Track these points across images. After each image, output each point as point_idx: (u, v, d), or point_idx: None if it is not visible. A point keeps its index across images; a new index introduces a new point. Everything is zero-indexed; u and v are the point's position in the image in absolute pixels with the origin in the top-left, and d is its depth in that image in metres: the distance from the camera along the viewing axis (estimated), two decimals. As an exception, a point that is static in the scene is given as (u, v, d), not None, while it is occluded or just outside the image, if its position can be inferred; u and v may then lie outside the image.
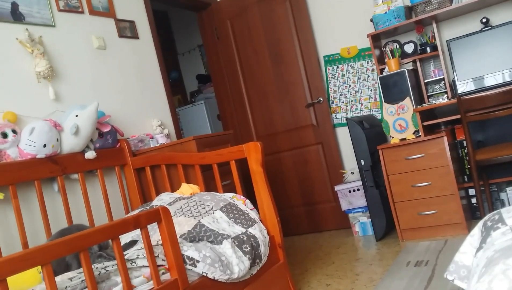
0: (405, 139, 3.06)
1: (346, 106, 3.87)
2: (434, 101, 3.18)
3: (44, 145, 2.26)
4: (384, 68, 3.43)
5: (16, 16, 2.47)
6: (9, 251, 2.14)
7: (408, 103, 3.04)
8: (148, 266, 1.67)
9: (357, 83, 3.82)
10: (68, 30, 2.77)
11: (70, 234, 1.43)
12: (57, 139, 2.35)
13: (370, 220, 3.45)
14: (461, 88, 3.20)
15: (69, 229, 1.89)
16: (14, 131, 2.21)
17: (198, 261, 1.83)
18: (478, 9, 3.31)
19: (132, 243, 1.94)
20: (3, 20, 2.40)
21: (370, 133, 3.27)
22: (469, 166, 3.18)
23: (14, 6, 2.47)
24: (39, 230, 2.32)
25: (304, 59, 3.84)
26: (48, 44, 2.62)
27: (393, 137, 3.12)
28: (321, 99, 3.80)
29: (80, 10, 2.86)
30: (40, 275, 1.68)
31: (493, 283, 0.91)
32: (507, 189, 3.10)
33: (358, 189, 3.50)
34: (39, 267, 1.28)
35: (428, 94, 3.43)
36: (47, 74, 2.48)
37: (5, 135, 2.18)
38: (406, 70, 3.13)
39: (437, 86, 3.41)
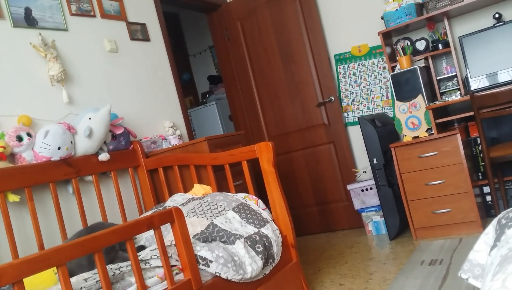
0: (418, 137, 3.04)
1: (358, 105, 3.85)
2: (446, 98, 3.15)
3: (59, 148, 2.29)
4: (395, 66, 3.41)
5: (29, 21, 2.51)
6: (25, 253, 2.17)
7: (420, 101, 3.01)
8: (161, 266, 1.68)
9: (369, 81, 3.80)
10: (81, 34, 2.80)
11: (95, 231, 1.46)
12: (71, 142, 2.38)
13: (383, 219, 3.43)
14: (474, 84, 3.17)
15: (92, 228, 1.91)
16: (29, 135, 2.25)
17: (211, 261, 1.84)
18: (490, 5, 3.27)
19: (141, 248, 1.97)
20: (17, 25, 2.44)
21: (382, 131, 3.25)
22: (483, 164, 3.14)
23: (28, 12, 2.51)
24: (55, 231, 2.35)
25: (314, 58, 3.84)
26: (61, 48, 2.66)
27: (405, 135, 3.10)
28: (333, 98, 3.79)
29: (92, 14, 2.90)
30: (55, 276, 1.71)
31: (507, 281, 0.90)
32: (523, 186, 3.07)
33: (371, 188, 3.49)
34: (55, 268, 1.30)
35: (441, 91, 3.40)
36: (60, 78, 2.52)
37: (20, 139, 2.22)
38: (418, 68, 3.10)
39: (450, 83, 3.38)
